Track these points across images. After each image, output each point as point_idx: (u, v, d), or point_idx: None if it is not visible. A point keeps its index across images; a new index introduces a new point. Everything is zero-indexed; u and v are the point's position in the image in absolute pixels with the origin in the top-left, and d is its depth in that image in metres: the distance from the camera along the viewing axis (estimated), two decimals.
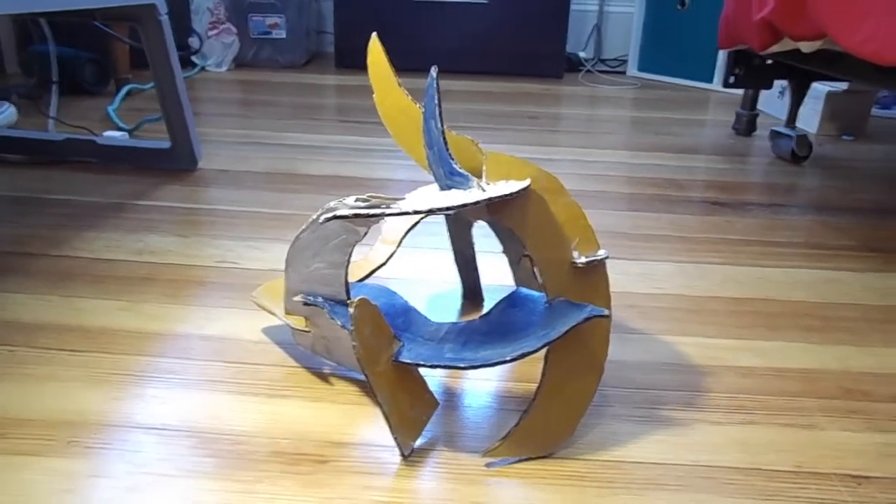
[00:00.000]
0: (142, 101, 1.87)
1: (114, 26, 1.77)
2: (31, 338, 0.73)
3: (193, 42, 2.33)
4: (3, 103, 1.46)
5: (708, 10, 2.34)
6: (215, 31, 2.38)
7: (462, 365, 0.55)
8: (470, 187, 0.55)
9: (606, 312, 0.55)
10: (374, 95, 0.66)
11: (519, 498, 0.54)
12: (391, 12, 2.48)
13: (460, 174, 0.55)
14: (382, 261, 0.73)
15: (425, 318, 0.63)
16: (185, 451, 0.57)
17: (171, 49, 1.16)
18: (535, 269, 0.58)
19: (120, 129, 1.51)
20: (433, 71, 0.57)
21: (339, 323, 0.57)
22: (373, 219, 0.51)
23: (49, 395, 0.64)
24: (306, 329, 0.64)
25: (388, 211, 0.49)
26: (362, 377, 0.62)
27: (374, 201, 0.51)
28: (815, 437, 0.62)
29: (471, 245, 0.80)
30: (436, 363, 0.55)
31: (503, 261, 0.81)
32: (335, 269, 0.58)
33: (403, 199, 0.53)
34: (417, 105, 0.64)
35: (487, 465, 0.57)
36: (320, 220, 0.51)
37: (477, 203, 0.50)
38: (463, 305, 0.83)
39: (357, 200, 0.51)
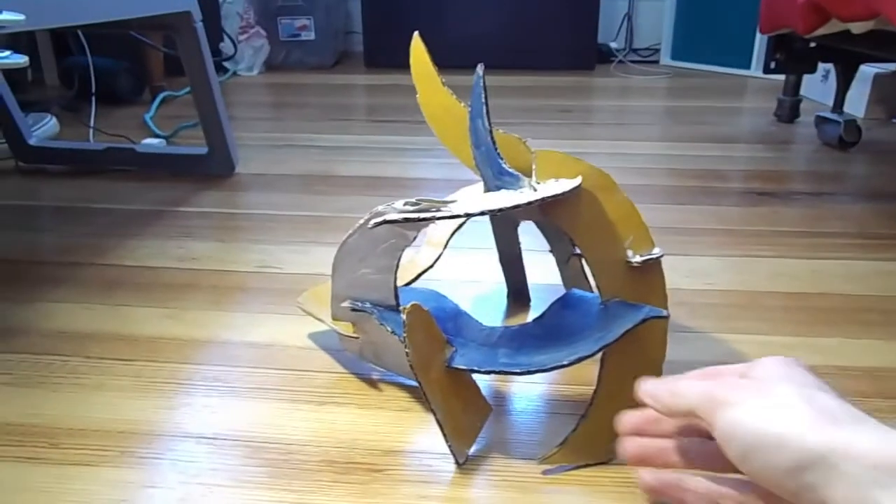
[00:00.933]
0: (176, 107, 1.89)
1: (148, 34, 1.79)
2: (82, 347, 0.73)
3: (226, 47, 2.35)
4: (45, 115, 1.48)
5: None
6: (245, 36, 2.40)
7: (518, 370, 0.53)
8: (521, 187, 0.53)
9: (665, 313, 0.53)
10: (417, 96, 0.65)
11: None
12: (419, 10, 2.47)
13: (510, 173, 0.53)
14: (429, 263, 0.71)
15: (477, 321, 0.62)
16: (236, 461, 0.57)
17: (206, 56, 1.16)
18: (588, 269, 0.56)
19: (157, 136, 1.53)
20: (479, 69, 0.55)
21: (388, 329, 0.56)
22: (423, 223, 0.50)
23: (101, 405, 0.64)
24: (354, 335, 0.63)
25: (438, 214, 0.48)
26: (413, 383, 0.61)
27: (423, 204, 0.49)
28: None
29: (517, 245, 0.78)
30: (490, 369, 0.54)
31: (548, 260, 0.79)
32: (384, 275, 0.56)
33: (454, 201, 0.52)
34: (462, 104, 0.62)
35: (544, 472, 0.55)
36: (369, 225, 0.50)
37: (530, 203, 0.48)
38: (509, 306, 0.82)
39: (406, 204, 0.50)
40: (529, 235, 0.80)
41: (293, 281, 0.89)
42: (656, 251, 0.55)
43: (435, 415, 0.53)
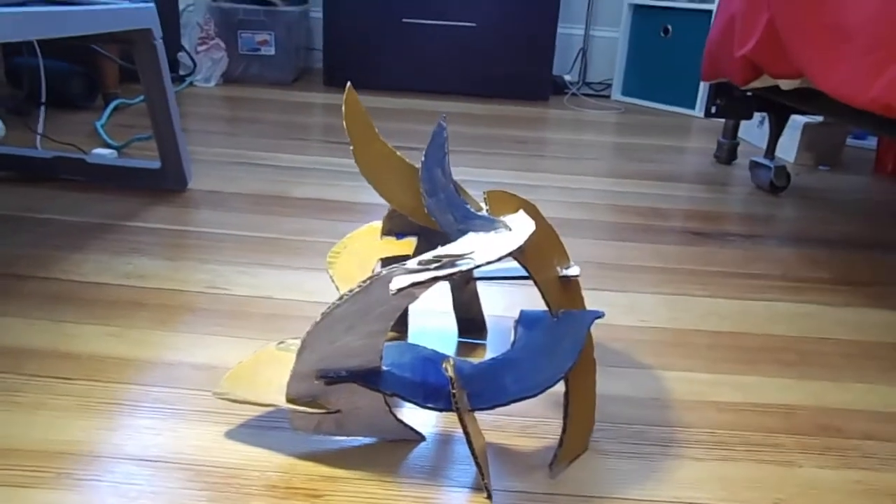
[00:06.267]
0: (129, 116, 1.87)
1: (105, 46, 1.77)
2: (20, 364, 0.73)
3: (183, 59, 2.33)
4: None
5: (691, 39, 2.40)
6: (205, 47, 2.39)
7: (537, 391, 0.57)
8: (496, 228, 0.56)
9: (603, 312, 0.60)
10: (351, 148, 0.65)
11: None
12: (379, 32, 2.50)
13: (480, 217, 0.57)
14: None
15: (461, 360, 0.65)
16: (177, 484, 0.57)
17: (164, 71, 1.17)
18: (540, 290, 0.60)
19: (109, 146, 1.51)
20: (443, 122, 0.58)
21: (381, 391, 0.57)
22: (442, 280, 0.50)
23: (38, 425, 0.64)
24: (313, 411, 0.61)
25: (463, 267, 0.49)
26: (372, 441, 0.64)
27: (444, 261, 0.49)
28: (792, 474, 0.64)
29: (472, 280, 0.81)
30: (512, 399, 0.58)
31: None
32: (372, 339, 0.56)
33: (471, 252, 0.51)
34: (399, 154, 0.65)
35: (553, 471, 0.61)
36: (392, 291, 0.48)
37: (526, 241, 0.52)
38: (461, 336, 0.85)
39: (420, 263, 0.49)
40: None
41: (241, 303, 0.90)
42: (575, 268, 0.62)
43: (475, 456, 0.55)
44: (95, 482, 0.57)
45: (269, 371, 0.62)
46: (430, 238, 0.66)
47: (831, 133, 1.85)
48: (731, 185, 1.66)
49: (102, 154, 1.41)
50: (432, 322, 0.86)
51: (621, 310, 0.95)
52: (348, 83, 0.64)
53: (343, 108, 0.62)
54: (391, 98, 2.40)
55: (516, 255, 0.57)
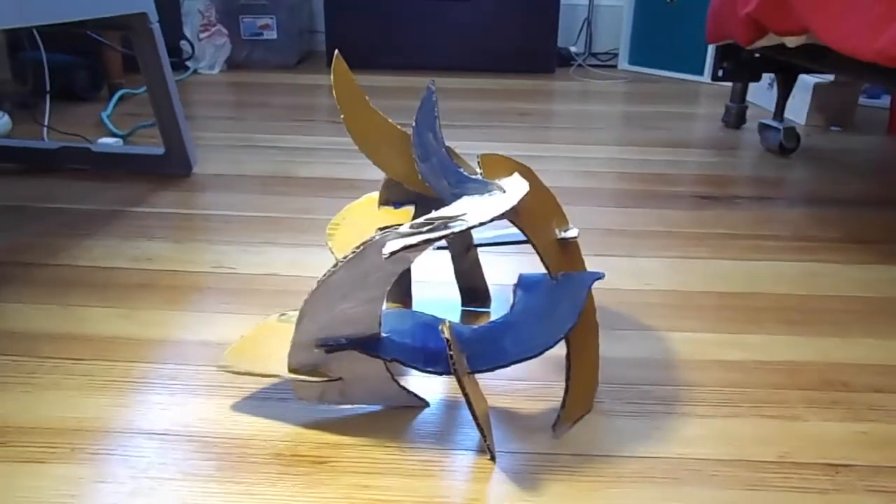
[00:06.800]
0: (135, 105, 1.88)
1: (105, 34, 1.78)
2: (33, 347, 0.74)
3: (185, 46, 2.34)
4: None
5: (696, 4, 2.35)
6: (207, 34, 2.39)
7: (536, 353, 0.57)
8: (490, 191, 0.56)
9: (603, 273, 0.60)
10: (342, 117, 0.64)
11: (511, 493, 0.55)
12: (382, 10, 2.49)
13: (475, 180, 0.57)
14: None
15: (460, 325, 0.65)
16: (186, 455, 0.59)
17: (163, 56, 1.17)
18: (538, 252, 0.61)
19: (114, 135, 1.53)
20: (431, 85, 0.58)
21: (381, 357, 0.58)
22: (435, 242, 0.50)
23: (52, 404, 0.65)
24: (316, 380, 0.61)
25: (456, 229, 0.49)
26: (377, 408, 0.65)
27: (437, 223, 0.49)
28: (797, 428, 0.64)
29: (473, 248, 0.81)
30: (512, 360, 0.58)
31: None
32: (369, 305, 0.56)
33: (463, 213, 0.51)
34: (391, 122, 0.65)
35: (556, 432, 0.61)
36: (385, 255, 0.48)
37: (518, 202, 0.52)
38: (468, 305, 0.85)
39: (413, 227, 0.49)
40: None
41: (247, 281, 0.91)
42: (574, 230, 0.62)
43: (476, 418, 0.56)
44: (107, 455, 0.59)
45: (271, 343, 0.63)
46: (427, 206, 0.66)
47: (842, 93, 1.81)
48: (740, 148, 1.64)
49: (108, 143, 1.43)
50: (436, 292, 0.87)
51: (627, 274, 0.95)
52: (336, 52, 0.63)
53: (332, 77, 0.62)
54: (397, 77, 2.39)
55: (511, 216, 0.57)
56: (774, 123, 1.55)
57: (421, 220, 0.51)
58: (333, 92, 0.64)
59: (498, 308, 0.84)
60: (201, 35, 2.38)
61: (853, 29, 0.98)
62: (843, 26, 1.00)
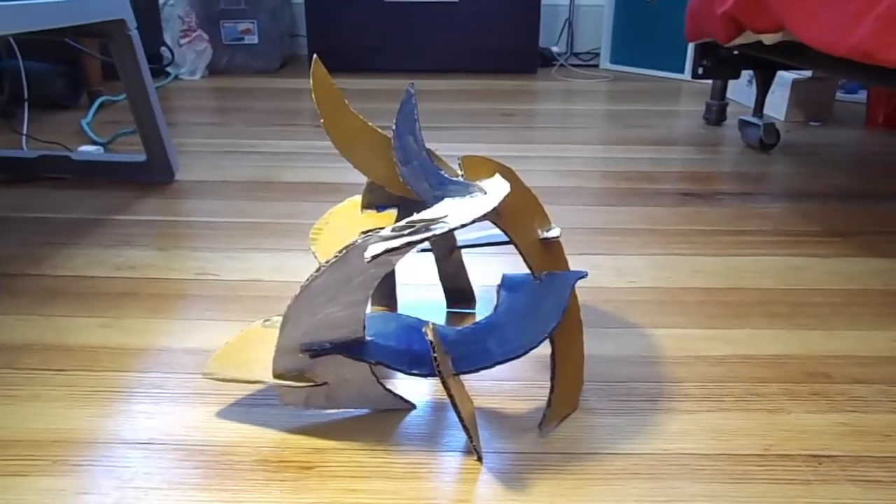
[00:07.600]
0: (115, 112, 1.86)
1: (84, 41, 1.76)
2: (15, 359, 0.73)
3: (165, 52, 2.32)
4: None
5: (676, 3, 2.37)
6: (187, 39, 2.37)
7: (520, 353, 0.57)
8: (471, 192, 0.56)
9: (586, 272, 0.60)
10: (321, 121, 0.64)
11: (498, 493, 0.56)
12: (363, 14, 2.48)
13: (455, 182, 0.57)
14: None
15: (444, 326, 0.65)
16: (171, 464, 0.58)
17: (142, 62, 1.16)
18: (521, 253, 0.61)
19: (94, 143, 1.51)
20: (410, 87, 0.58)
21: (366, 361, 0.58)
22: (417, 244, 0.50)
23: (34, 416, 0.64)
24: (300, 385, 0.61)
25: (437, 231, 0.49)
26: (363, 412, 0.64)
27: (418, 226, 0.49)
28: (781, 420, 0.65)
29: (457, 249, 0.81)
30: (497, 361, 0.58)
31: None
32: (353, 309, 0.55)
33: (445, 216, 0.51)
34: (371, 125, 0.65)
35: (542, 431, 0.61)
36: (366, 258, 0.48)
37: (499, 203, 0.52)
38: (449, 307, 0.85)
39: (394, 230, 0.49)
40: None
41: (231, 287, 0.90)
42: (556, 229, 0.62)
43: (462, 420, 0.56)
44: (91, 466, 0.58)
45: (255, 349, 0.63)
46: (409, 209, 0.66)
47: (820, 89, 1.84)
48: (721, 145, 1.66)
49: (88, 150, 1.41)
50: (421, 294, 0.87)
51: (610, 272, 0.96)
52: (314, 56, 0.63)
53: (311, 81, 0.62)
54: (379, 80, 2.38)
55: (493, 217, 0.57)
56: (754, 120, 1.57)
57: (403, 223, 0.51)
58: (313, 96, 0.64)
59: (483, 309, 0.84)
60: (182, 41, 2.37)
61: (828, 26, 0.99)
62: (818, 23, 1.01)
